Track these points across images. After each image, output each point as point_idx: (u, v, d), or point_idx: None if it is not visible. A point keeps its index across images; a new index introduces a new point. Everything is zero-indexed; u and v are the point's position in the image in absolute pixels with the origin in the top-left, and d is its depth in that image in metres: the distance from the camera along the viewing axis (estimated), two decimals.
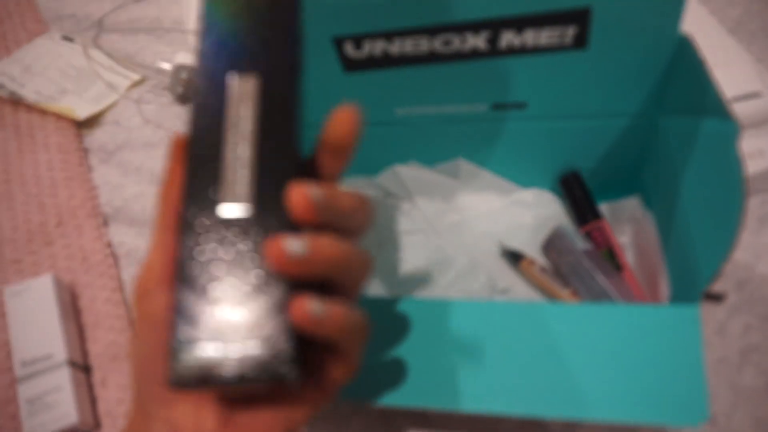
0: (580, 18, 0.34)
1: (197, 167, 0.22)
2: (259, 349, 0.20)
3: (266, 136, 0.22)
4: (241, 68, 0.23)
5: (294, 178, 0.22)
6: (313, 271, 0.21)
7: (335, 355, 0.24)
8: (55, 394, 0.41)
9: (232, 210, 0.22)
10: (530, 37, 0.35)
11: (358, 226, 0.24)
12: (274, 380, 0.20)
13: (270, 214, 0.21)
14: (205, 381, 0.20)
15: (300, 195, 0.21)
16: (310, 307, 0.20)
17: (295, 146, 0.23)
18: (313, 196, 0.21)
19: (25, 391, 0.41)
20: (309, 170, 0.25)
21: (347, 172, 0.48)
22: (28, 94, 0.63)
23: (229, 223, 0.21)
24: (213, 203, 0.22)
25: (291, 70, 0.23)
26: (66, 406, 0.40)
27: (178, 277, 0.21)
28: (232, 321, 0.21)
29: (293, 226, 0.21)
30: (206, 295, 0.21)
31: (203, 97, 0.23)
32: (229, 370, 0.20)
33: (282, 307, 0.21)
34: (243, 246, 0.21)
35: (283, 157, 0.22)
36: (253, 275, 0.21)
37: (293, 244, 0.20)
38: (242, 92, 0.23)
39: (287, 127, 0.23)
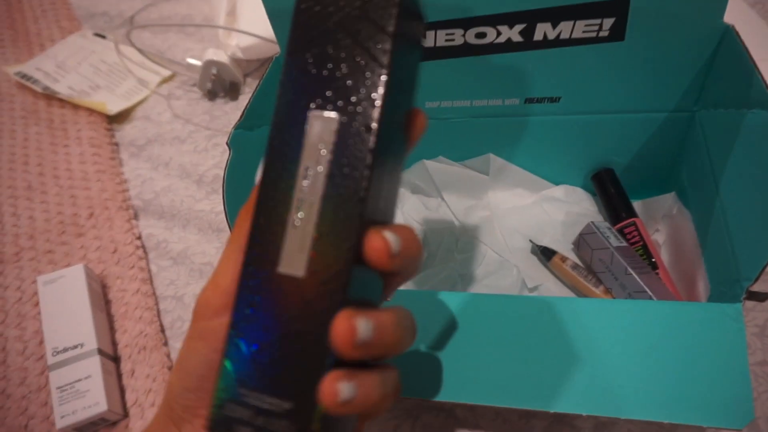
0: (618, 8, 0.33)
1: (263, 219, 0.20)
2: (284, 427, 0.20)
3: (334, 207, 0.20)
4: (325, 103, 0.20)
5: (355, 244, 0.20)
6: (371, 354, 0.20)
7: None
8: (86, 383, 0.41)
9: (290, 269, 0.20)
10: (566, 29, 0.35)
11: (416, 270, 0.23)
12: None
13: (325, 278, 0.20)
14: None
15: (379, 240, 0.20)
16: (341, 392, 0.19)
17: (365, 207, 0.20)
18: (392, 244, 0.20)
19: (56, 378, 0.42)
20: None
21: None
22: (62, 89, 0.64)
23: (286, 280, 0.20)
24: (273, 261, 0.20)
25: (382, 109, 0.19)
26: (96, 395, 0.41)
27: (231, 326, 0.21)
28: (271, 383, 0.20)
29: (349, 291, 0.20)
30: (253, 351, 0.20)
31: (281, 133, 0.20)
32: None
33: (317, 383, 0.20)
34: (294, 308, 0.20)
35: (351, 220, 0.20)
36: (301, 340, 0.20)
37: (362, 326, 0.19)
38: (321, 135, 0.20)
39: (361, 186, 0.19)
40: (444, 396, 0.30)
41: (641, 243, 0.40)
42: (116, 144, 0.61)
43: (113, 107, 0.63)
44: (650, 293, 0.37)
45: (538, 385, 0.29)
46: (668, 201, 0.42)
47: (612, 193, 0.43)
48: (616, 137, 0.42)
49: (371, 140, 0.19)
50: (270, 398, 0.20)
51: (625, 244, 0.40)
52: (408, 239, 0.21)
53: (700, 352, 0.28)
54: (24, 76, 0.66)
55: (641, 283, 0.37)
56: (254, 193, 0.21)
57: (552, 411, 0.28)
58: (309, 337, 0.20)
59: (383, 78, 0.19)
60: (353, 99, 0.20)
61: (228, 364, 0.21)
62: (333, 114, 0.20)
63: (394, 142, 0.22)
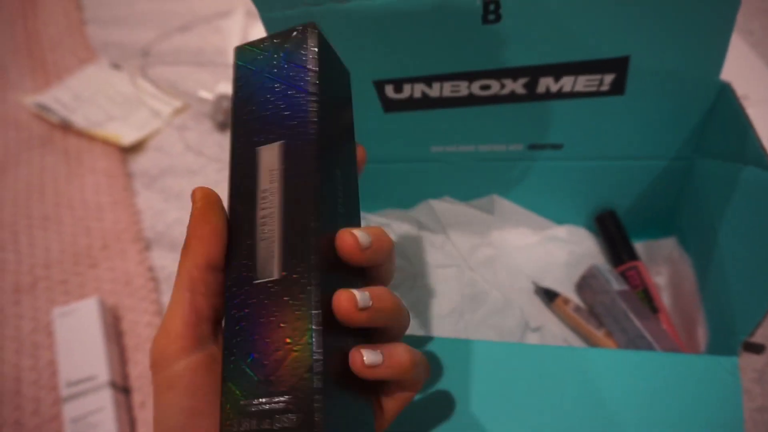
0: (618, 66, 0.34)
1: (235, 244, 0.23)
2: (293, 418, 0.20)
3: (292, 210, 0.22)
4: (270, 134, 0.24)
5: (320, 251, 0.22)
6: (373, 322, 0.23)
7: (388, 390, 0.25)
8: (98, 415, 0.42)
9: (265, 276, 0.22)
10: (568, 83, 0.36)
11: (391, 271, 0.26)
12: None
13: (297, 279, 0.22)
14: None
15: (349, 236, 0.23)
16: (367, 358, 0.22)
17: (321, 217, 0.22)
18: (362, 239, 0.23)
19: (69, 411, 0.43)
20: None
21: (382, 205, 0.50)
22: (78, 119, 0.66)
23: (263, 287, 0.22)
24: (251, 276, 0.22)
25: (318, 131, 0.23)
26: (107, 428, 0.42)
27: (227, 351, 0.22)
28: (271, 384, 0.21)
29: (328, 286, 0.22)
30: (249, 362, 0.22)
31: (238, 167, 0.24)
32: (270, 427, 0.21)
33: (310, 370, 0.21)
34: (277, 307, 0.22)
35: (309, 230, 0.22)
36: (289, 332, 0.21)
37: (361, 295, 0.22)
38: (270, 162, 0.23)
39: (312, 199, 0.22)
40: None
41: (642, 287, 0.41)
42: (130, 175, 0.63)
43: (127, 138, 0.64)
44: (650, 339, 0.38)
45: None
46: (669, 245, 0.43)
47: (614, 235, 0.44)
48: (617, 182, 0.43)
49: (312, 149, 0.23)
50: (273, 399, 0.21)
51: (626, 288, 0.41)
52: (377, 234, 0.24)
53: (697, 406, 0.29)
54: (41, 106, 0.68)
55: (641, 329, 0.38)
56: (195, 244, 0.23)
57: None
58: (297, 325, 0.21)
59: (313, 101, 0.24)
60: (292, 124, 0.24)
61: (232, 385, 0.22)
62: (276, 143, 0.24)
63: (337, 152, 0.25)
